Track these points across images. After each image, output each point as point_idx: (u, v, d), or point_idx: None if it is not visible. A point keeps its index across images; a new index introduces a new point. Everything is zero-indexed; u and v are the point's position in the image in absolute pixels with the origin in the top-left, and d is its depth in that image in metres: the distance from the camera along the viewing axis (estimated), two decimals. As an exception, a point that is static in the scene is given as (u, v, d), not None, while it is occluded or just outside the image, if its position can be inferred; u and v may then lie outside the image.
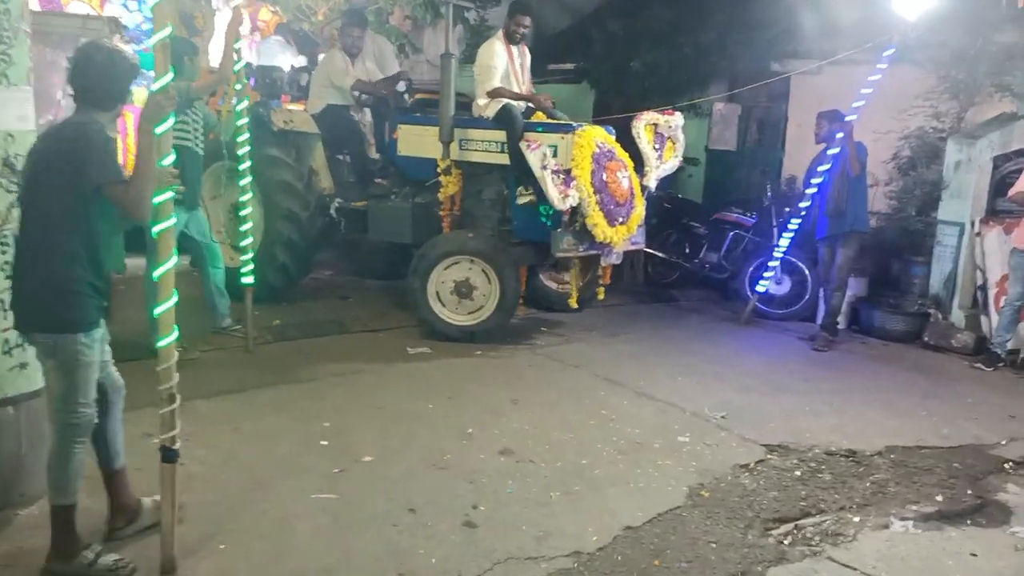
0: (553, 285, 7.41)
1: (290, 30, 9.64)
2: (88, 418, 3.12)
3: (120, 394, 3.38)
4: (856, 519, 3.87)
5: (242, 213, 5.68)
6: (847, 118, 6.72)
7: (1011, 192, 6.43)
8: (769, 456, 4.52)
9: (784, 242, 7.29)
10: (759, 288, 7.52)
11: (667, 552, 3.45)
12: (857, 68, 7.43)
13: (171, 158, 3.03)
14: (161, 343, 3.09)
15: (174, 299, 3.05)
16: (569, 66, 11.18)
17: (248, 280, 5.68)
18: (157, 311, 3.05)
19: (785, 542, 3.64)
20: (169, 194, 3.01)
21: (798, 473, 4.33)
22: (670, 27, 9.93)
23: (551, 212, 5.98)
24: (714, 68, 9.95)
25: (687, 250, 8.70)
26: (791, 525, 3.80)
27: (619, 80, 10.30)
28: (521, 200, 6.11)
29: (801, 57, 9.06)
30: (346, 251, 8.38)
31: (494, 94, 6.35)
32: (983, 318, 7.02)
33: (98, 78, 3.04)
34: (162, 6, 3.02)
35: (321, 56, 8.15)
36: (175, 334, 3.09)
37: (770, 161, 9.75)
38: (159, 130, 2.95)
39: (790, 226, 7.22)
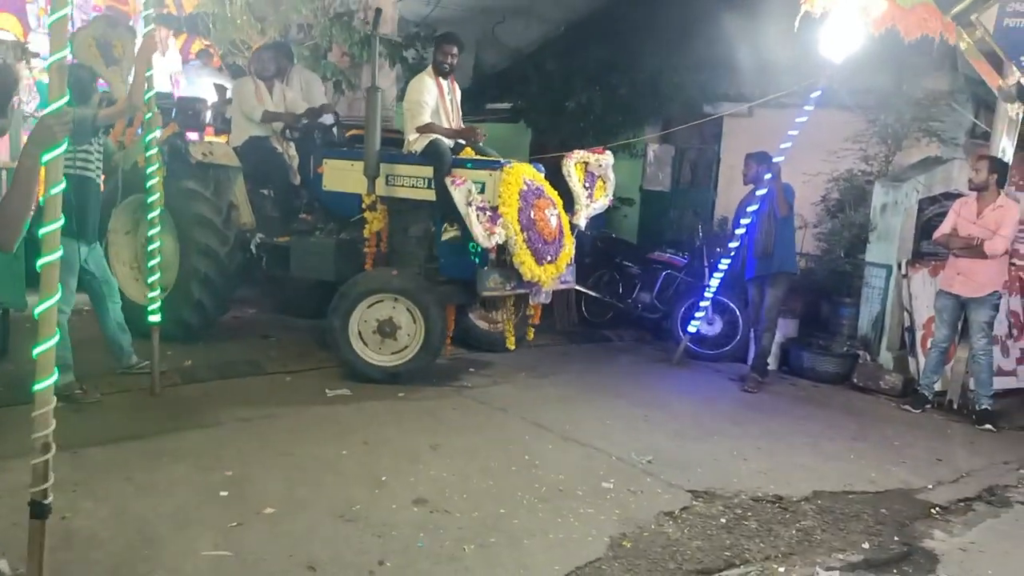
0: (483, 324, 7.24)
1: (224, 63, 9.42)
2: None
3: None
4: (781, 569, 3.73)
5: (150, 248, 5.39)
6: (775, 159, 6.74)
7: (936, 234, 6.49)
8: (695, 503, 4.37)
9: (714, 282, 7.24)
10: (690, 328, 7.45)
11: (583, 609, 3.26)
12: (788, 111, 7.51)
13: (60, 187, 2.79)
14: (38, 386, 2.82)
15: (55, 338, 2.79)
16: (506, 105, 11.17)
17: (155, 318, 5.37)
18: (36, 351, 2.78)
19: (708, 596, 3.48)
20: (58, 224, 2.77)
21: (723, 520, 4.19)
22: (605, 67, 10.01)
23: (479, 250, 5.83)
24: (648, 109, 10.03)
25: (620, 290, 8.62)
26: (714, 576, 3.65)
27: (555, 119, 10.32)
28: (446, 236, 5.97)
29: (733, 99, 9.17)
30: (270, 289, 8.09)
31: (423, 129, 6.21)
32: (910, 360, 7.05)
33: None
34: (61, 24, 2.78)
35: None
36: (55, 376, 2.82)
37: (703, 202, 9.82)
38: (48, 157, 2.71)
39: (720, 267, 7.18)
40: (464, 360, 6.88)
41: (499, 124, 10.72)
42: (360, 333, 6.01)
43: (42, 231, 2.78)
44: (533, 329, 6.58)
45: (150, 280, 5.39)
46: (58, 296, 2.86)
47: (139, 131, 7.01)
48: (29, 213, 2.75)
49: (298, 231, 6.84)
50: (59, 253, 2.82)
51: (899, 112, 7.73)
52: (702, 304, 7.36)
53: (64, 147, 2.78)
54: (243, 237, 6.79)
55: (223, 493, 4.01)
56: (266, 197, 7.14)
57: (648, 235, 9.99)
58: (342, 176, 6.50)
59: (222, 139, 7.54)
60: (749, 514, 4.29)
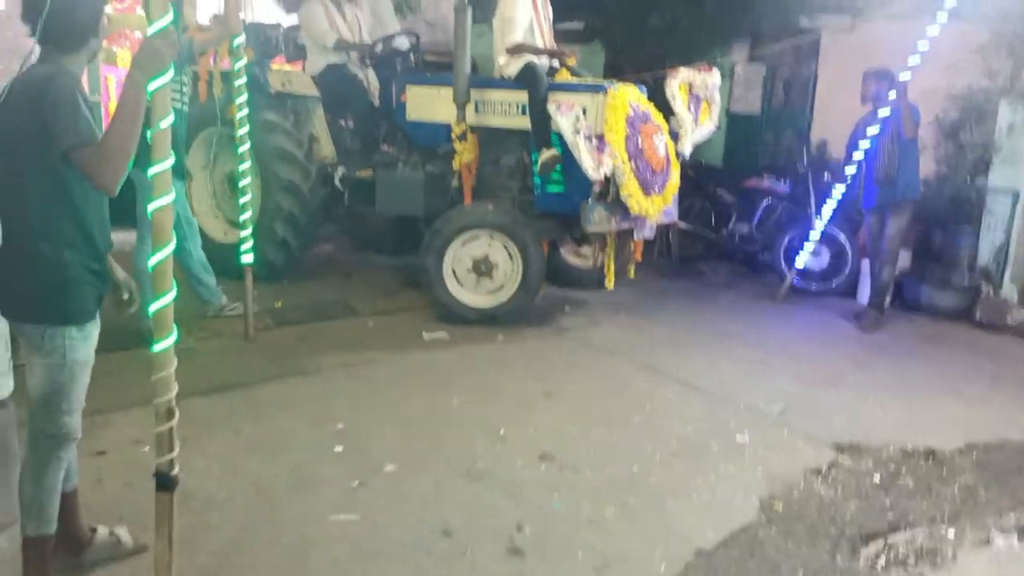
0: (574, 260, 6.87)
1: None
2: (70, 429, 2.61)
3: None
4: (951, 532, 3.38)
5: (241, 184, 5.08)
6: (901, 77, 6.12)
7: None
8: (841, 458, 4.00)
9: (827, 212, 6.69)
10: (798, 263, 6.94)
11: (748, 583, 2.95)
12: (896, 23, 6.84)
13: (169, 120, 2.44)
14: (158, 346, 2.47)
15: (173, 292, 2.45)
16: (578, 25, 10.51)
17: (248, 259, 5.10)
18: (153, 308, 2.44)
19: (879, 565, 3.14)
20: (168, 162, 2.43)
21: (877, 478, 3.83)
22: (689, -20, 9.29)
23: (562, 177, 5.43)
24: (736, 25, 9.31)
25: (713, 221, 8.12)
26: (881, 542, 3.30)
27: (634, 40, 9.66)
28: (543, 157, 5.50)
29: (832, 11, 8.43)
30: (349, 225, 7.78)
31: (515, 50, 5.71)
32: (1039, 293, 6.52)
33: (55, 9, 2.45)
34: None
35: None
36: (175, 335, 2.48)
37: (797, 125, 9.16)
38: (154, 84, 2.35)
39: (833, 194, 6.62)
40: (557, 298, 6.52)
41: (570, 45, 10.10)
42: (455, 272, 5.69)
43: (151, 171, 2.44)
44: (634, 267, 6.17)
45: (242, 218, 5.10)
46: (173, 245, 2.52)
47: (212, 60, 6.69)
48: (133, 149, 2.43)
49: (380, 164, 6.47)
50: (172, 195, 2.49)
51: (1028, 20, 6.98)
52: (812, 236, 6.82)
53: (171, 74, 2.42)
54: (325, 171, 6.46)
55: (338, 448, 3.77)
56: (344, 128, 6.77)
57: (734, 162, 9.40)
58: (428, 104, 6.08)
59: (295, 67, 7.15)
60: (903, 470, 3.92)
